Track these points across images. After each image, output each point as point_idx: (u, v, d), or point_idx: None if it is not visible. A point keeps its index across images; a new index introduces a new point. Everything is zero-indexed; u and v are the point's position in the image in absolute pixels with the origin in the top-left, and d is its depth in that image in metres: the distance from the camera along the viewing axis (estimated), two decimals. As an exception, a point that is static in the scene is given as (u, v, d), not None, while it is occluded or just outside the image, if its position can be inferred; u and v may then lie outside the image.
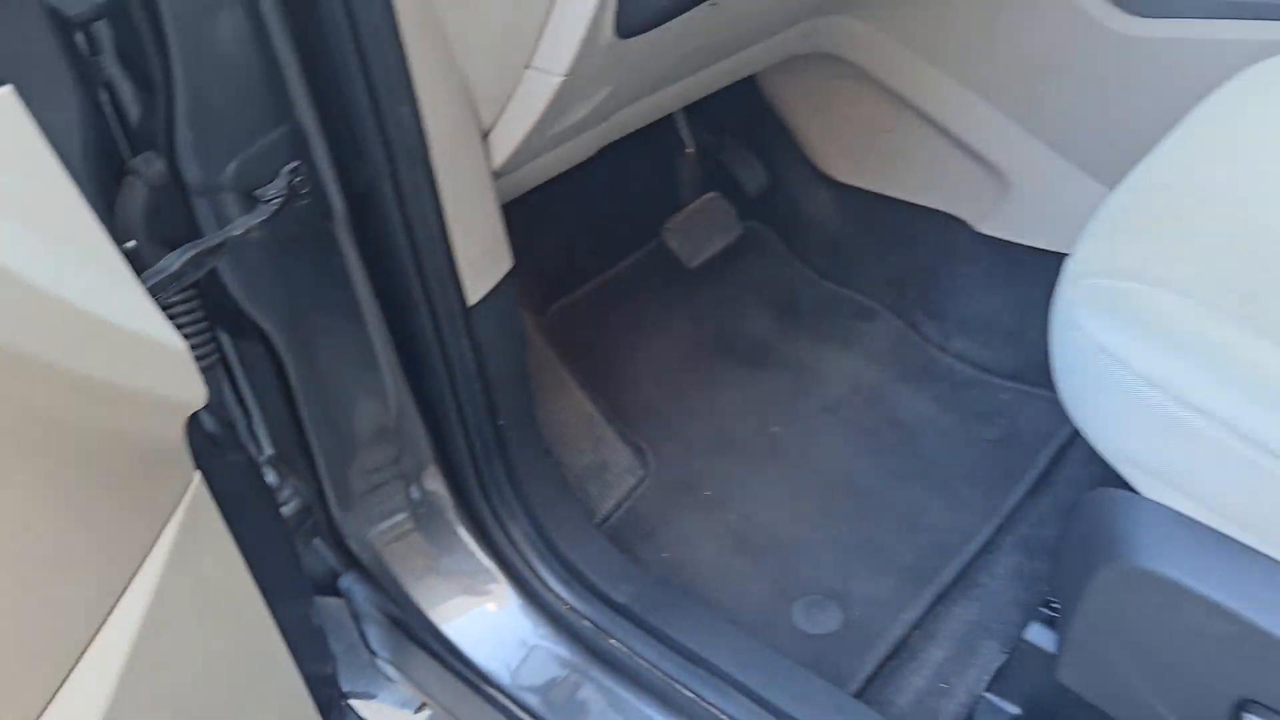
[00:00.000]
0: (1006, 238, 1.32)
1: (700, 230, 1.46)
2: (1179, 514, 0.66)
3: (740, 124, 1.47)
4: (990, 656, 0.99)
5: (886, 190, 1.42)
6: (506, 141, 0.84)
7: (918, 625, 1.05)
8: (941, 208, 1.37)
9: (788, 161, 1.47)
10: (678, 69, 1.02)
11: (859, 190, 1.44)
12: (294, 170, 0.75)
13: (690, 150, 1.45)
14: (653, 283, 1.42)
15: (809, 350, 1.39)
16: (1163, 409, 0.64)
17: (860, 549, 1.14)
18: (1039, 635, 0.82)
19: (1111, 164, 1.17)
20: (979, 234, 1.35)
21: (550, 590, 0.93)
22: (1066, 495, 1.13)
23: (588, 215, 1.38)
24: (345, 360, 0.88)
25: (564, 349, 1.30)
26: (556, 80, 0.77)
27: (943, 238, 1.38)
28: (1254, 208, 0.73)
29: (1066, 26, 1.13)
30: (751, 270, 1.47)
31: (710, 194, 1.48)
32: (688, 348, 1.38)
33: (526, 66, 0.78)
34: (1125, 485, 0.71)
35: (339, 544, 0.97)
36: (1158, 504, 0.67)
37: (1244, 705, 0.65)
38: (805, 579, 1.12)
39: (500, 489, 0.96)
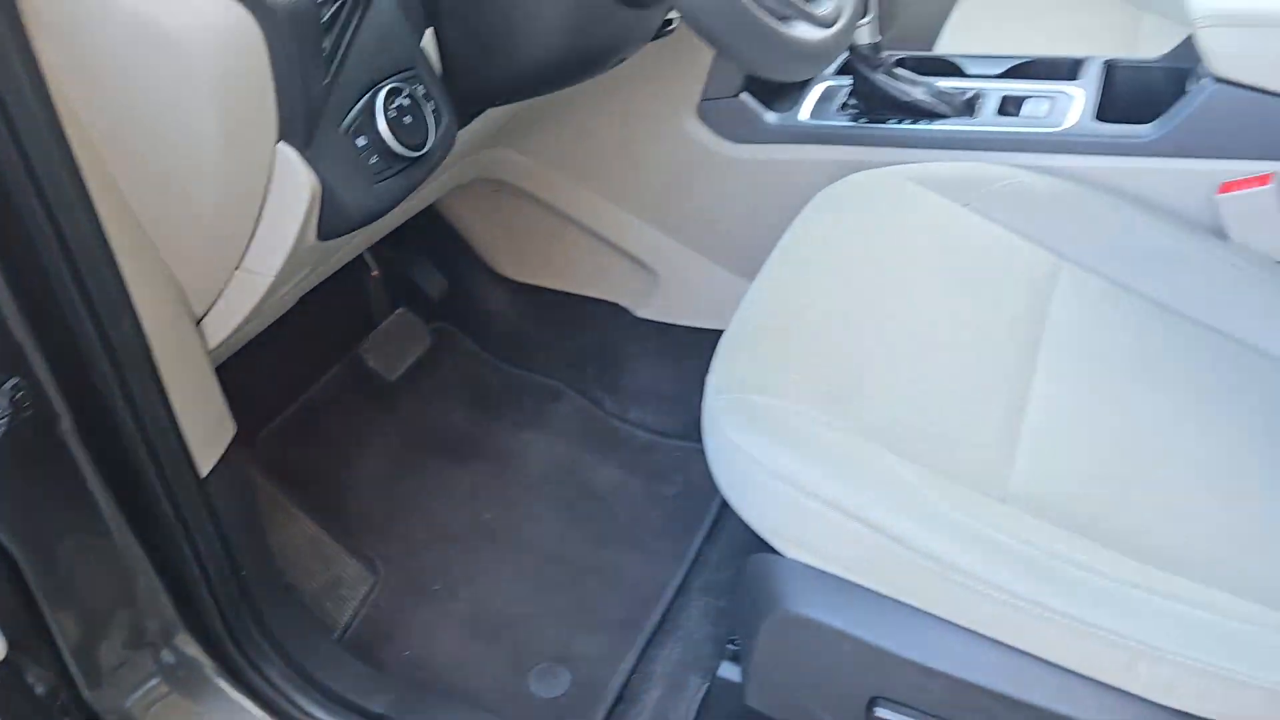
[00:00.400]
0: (662, 320, 1.55)
1: (395, 344, 1.58)
2: (814, 569, 0.88)
3: (419, 239, 1.59)
4: (696, 690, 1.19)
5: (556, 285, 1.61)
6: (220, 329, 0.92)
7: (635, 671, 1.24)
8: (605, 297, 1.58)
9: (466, 267, 1.63)
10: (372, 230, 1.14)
11: (532, 286, 1.62)
12: (15, 386, 0.80)
13: (376, 274, 1.56)
14: (356, 400, 1.52)
15: (508, 436, 1.54)
16: (788, 496, 0.85)
17: (577, 612, 1.31)
18: (728, 670, 1.03)
19: (739, 256, 1.43)
20: (639, 318, 1.57)
21: (314, 719, 1.02)
22: (737, 538, 1.37)
23: (285, 346, 1.45)
24: (81, 548, 0.92)
25: (280, 475, 1.37)
26: (266, 280, 0.87)
27: (609, 323, 1.59)
28: (837, 320, 0.98)
29: (685, 151, 1.37)
30: (446, 370, 1.60)
31: (399, 310, 1.59)
32: (398, 453, 1.49)
33: (237, 268, 0.87)
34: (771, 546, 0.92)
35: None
36: (797, 562, 0.89)
37: (874, 701, 0.88)
38: (534, 649, 1.27)
39: (249, 634, 1.03)
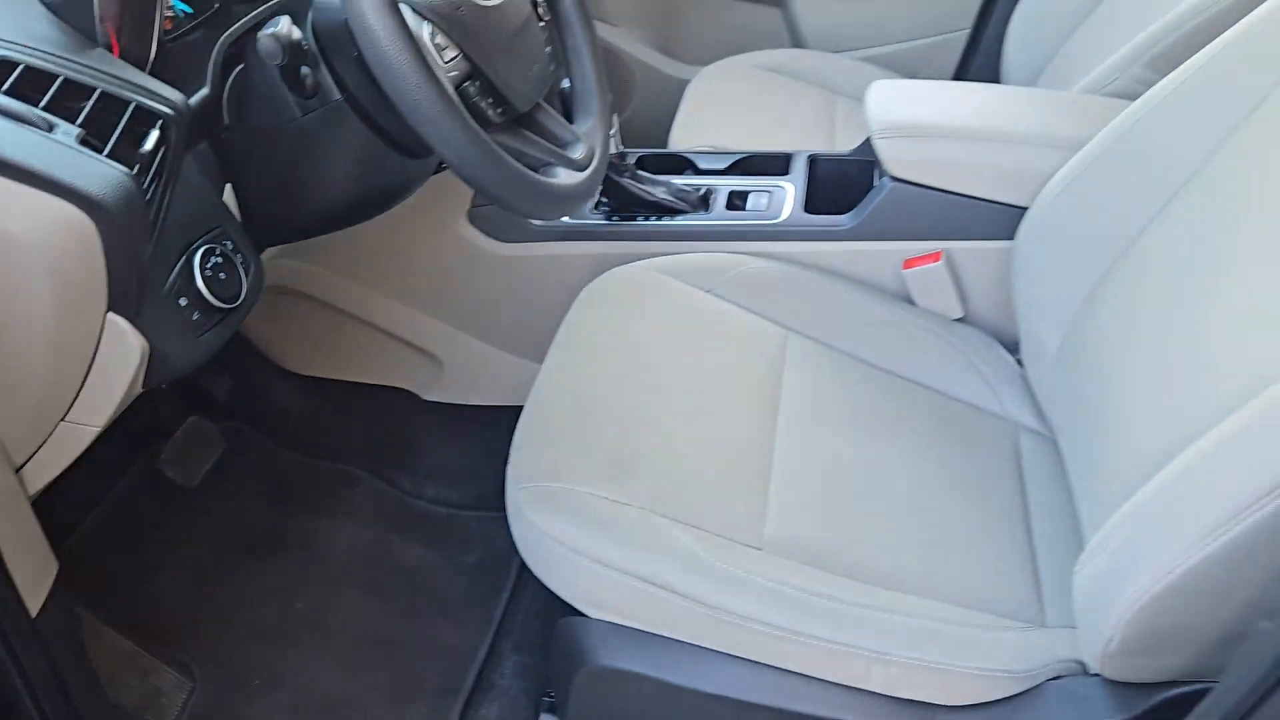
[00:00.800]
0: (449, 401, 1.67)
1: (191, 451, 1.61)
2: (616, 625, 1.04)
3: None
4: (517, 743, 1.33)
5: (344, 376, 1.70)
6: (41, 476, 0.98)
7: (457, 734, 1.35)
8: (393, 384, 1.69)
9: (253, 366, 1.68)
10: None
11: (320, 379, 1.70)
12: None
13: (164, 386, 1.59)
14: (157, 509, 1.54)
15: (311, 525, 1.61)
16: (588, 568, 1.01)
17: (397, 685, 1.41)
18: (548, 721, 1.17)
19: (517, 341, 1.58)
20: (426, 401, 1.68)
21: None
22: (539, 597, 1.51)
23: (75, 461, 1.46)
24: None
25: (85, 593, 1.39)
26: (92, 431, 0.94)
27: (399, 407, 1.70)
28: (612, 406, 1.15)
29: (459, 252, 1.51)
30: (245, 469, 1.65)
31: (191, 418, 1.63)
32: (205, 556, 1.53)
33: (63, 420, 0.94)
34: (579, 611, 1.08)
35: None
36: (601, 622, 1.05)
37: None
38: (362, 728, 1.36)
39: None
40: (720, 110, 1.91)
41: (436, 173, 1.21)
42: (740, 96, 1.96)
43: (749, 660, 1.01)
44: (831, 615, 0.99)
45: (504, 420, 1.19)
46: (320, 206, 1.05)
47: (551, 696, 1.19)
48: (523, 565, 1.57)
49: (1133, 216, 1.18)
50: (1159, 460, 0.91)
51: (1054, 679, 0.99)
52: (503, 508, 1.11)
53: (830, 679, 1.00)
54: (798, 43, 2.25)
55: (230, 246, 0.96)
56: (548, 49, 1.10)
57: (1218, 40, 1.12)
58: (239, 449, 1.68)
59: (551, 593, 1.07)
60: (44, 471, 0.98)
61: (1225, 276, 0.98)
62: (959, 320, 1.43)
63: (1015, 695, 0.99)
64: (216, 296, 0.93)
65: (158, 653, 1.39)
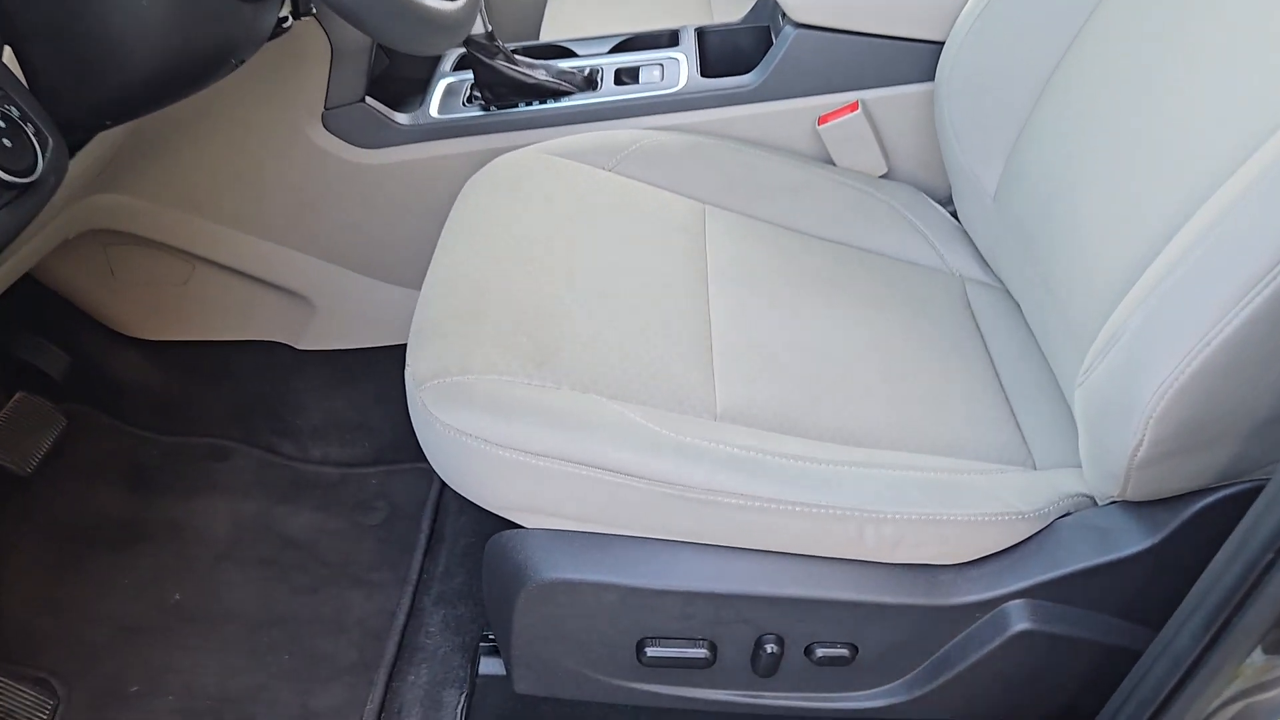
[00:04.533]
0: (326, 348, 1.47)
1: (21, 434, 1.36)
2: (558, 531, 0.88)
3: (25, 315, 1.40)
4: (457, 703, 1.14)
5: (199, 335, 1.47)
6: None
7: (384, 709, 1.16)
8: (258, 337, 1.47)
9: (88, 336, 1.44)
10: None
11: (171, 343, 1.47)
12: None
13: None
14: (-14, 504, 1.30)
15: (179, 508, 1.39)
16: (518, 463, 0.84)
17: (306, 668, 1.21)
18: (490, 665, 0.99)
19: (395, 267, 1.39)
20: (301, 351, 1.47)
21: None
22: (457, 545, 1.33)
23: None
24: None
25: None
26: None
27: (268, 362, 1.48)
28: (522, 290, 0.98)
29: (316, 165, 1.30)
30: (92, 453, 1.42)
31: (18, 394, 1.38)
32: (51, 556, 1.29)
33: None
34: (511, 524, 0.90)
35: None
36: (539, 530, 0.88)
37: (642, 644, 0.89)
38: (270, 719, 1.16)
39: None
40: (585, 4, 1.75)
41: (273, 36, 1.02)
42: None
43: (721, 547, 0.86)
44: (808, 476, 0.85)
45: (392, 362, 1.00)
46: (139, 71, 0.84)
47: (491, 638, 1.01)
48: (436, 515, 1.40)
49: (1059, 28, 1.07)
50: (1144, 258, 0.81)
51: (1064, 517, 0.87)
52: (404, 458, 0.94)
53: (816, 552, 0.86)
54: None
55: (16, 113, 0.76)
56: None
57: None
58: (82, 429, 1.44)
59: (475, 526, 0.90)
60: None
61: (1176, 56, 0.88)
62: (883, 177, 1.31)
63: (1025, 541, 0.86)
64: (4, 169, 0.73)
65: (5, 671, 1.15)
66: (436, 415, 0.88)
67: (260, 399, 1.49)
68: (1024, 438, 0.98)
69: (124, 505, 1.39)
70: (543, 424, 0.85)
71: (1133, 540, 0.82)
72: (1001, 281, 1.19)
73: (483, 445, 0.85)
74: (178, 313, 1.45)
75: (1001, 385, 1.04)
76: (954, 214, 1.27)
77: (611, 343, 0.95)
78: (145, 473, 1.43)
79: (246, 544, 1.36)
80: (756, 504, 0.83)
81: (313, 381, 1.48)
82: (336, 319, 1.45)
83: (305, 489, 1.43)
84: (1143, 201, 0.86)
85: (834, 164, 1.30)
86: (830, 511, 0.83)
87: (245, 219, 1.35)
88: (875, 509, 0.83)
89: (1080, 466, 0.92)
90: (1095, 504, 0.88)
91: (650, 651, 0.89)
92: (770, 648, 0.87)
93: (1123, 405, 0.76)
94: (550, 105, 1.29)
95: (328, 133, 1.29)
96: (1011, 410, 1.01)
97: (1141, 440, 0.75)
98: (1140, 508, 0.83)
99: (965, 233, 1.24)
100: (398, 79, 1.46)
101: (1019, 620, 0.84)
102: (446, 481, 0.92)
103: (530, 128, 1.29)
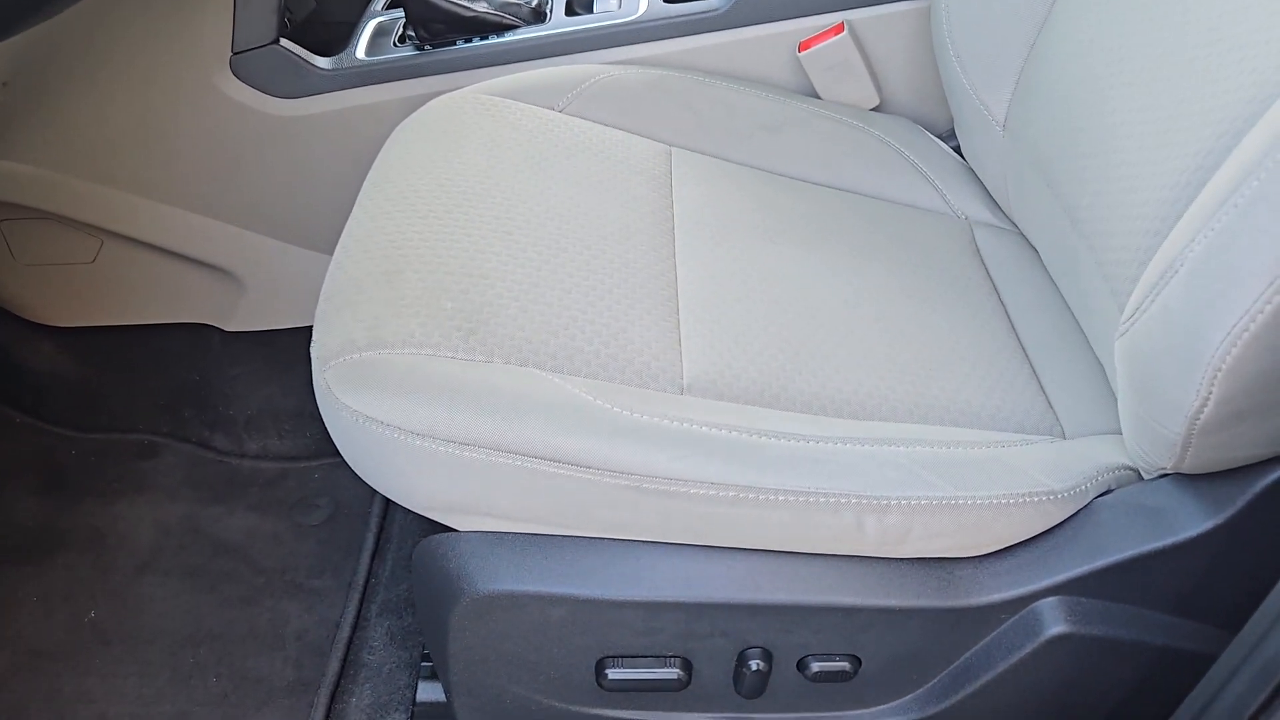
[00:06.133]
0: (258, 329, 1.32)
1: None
2: (496, 534, 0.73)
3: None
4: (400, 729, 1.00)
5: (117, 320, 1.32)
6: None
7: (324, 735, 1.02)
8: (183, 320, 1.32)
9: (-11, 326, 1.29)
10: None
11: (87, 330, 1.32)
12: None
13: None
14: None
15: (97, 514, 1.24)
16: (438, 453, 0.69)
17: (237, 692, 1.07)
18: (429, 691, 0.85)
19: (325, 232, 1.23)
20: (231, 333, 1.32)
21: None
22: (405, 546, 1.18)
23: None
24: None
25: None
26: None
27: (195, 347, 1.33)
28: (451, 248, 0.82)
29: (228, 118, 1.14)
30: (0, 455, 1.27)
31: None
32: (-55, 573, 1.15)
33: None
34: (444, 527, 0.75)
35: None
36: (474, 533, 0.73)
37: (602, 664, 0.74)
38: (192, 754, 1.02)
39: None
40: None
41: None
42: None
43: (691, 546, 0.71)
44: (795, 458, 0.70)
45: None
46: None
47: (428, 660, 0.86)
48: (385, 512, 1.25)
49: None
50: (1199, 171, 0.65)
51: (1104, 495, 0.72)
52: None
53: (806, 549, 0.71)
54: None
55: None
56: None
57: None
58: (-16, 430, 1.29)
59: (427, 525, 0.75)
60: None
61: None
62: (875, 110, 1.15)
63: (1059, 526, 0.71)
64: None
65: (-112, 709, 1.01)
66: (342, 400, 0.72)
67: (188, 388, 1.33)
68: (1049, 402, 0.83)
69: (37, 511, 1.24)
70: (470, 406, 0.69)
71: (1191, 521, 0.67)
72: (1015, 224, 1.04)
73: (399, 434, 0.70)
74: (89, 295, 1.29)
75: (1020, 342, 0.89)
76: (957, 149, 1.12)
77: (556, 305, 0.80)
78: (62, 475, 1.28)
79: (172, 551, 1.21)
80: (733, 493, 0.67)
81: (246, 367, 1.33)
82: (268, 295, 1.29)
83: (240, 487, 1.28)
84: (1193, 106, 0.71)
85: (818, 97, 1.14)
86: (822, 499, 0.68)
87: (154, 185, 1.19)
88: (877, 494, 0.68)
89: (1119, 433, 0.77)
90: (1140, 478, 0.73)
91: (612, 674, 0.74)
92: (755, 664, 0.73)
93: (1181, 355, 0.61)
94: (493, 41, 1.14)
95: (239, 81, 1.13)
96: (1033, 370, 0.86)
97: (1207, 399, 0.60)
98: (1198, 482, 0.68)
99: (971, 170, 1.09)
100: (326, 23, 1.29)
101: (1054, 622, 0.69)
102: (361, 475, 0.77)
103: (470, 68, 1.13)
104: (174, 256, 1.25)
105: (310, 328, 1.31)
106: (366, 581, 1.16)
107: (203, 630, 1.13)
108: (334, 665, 1.08)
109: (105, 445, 1.32)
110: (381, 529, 1.21)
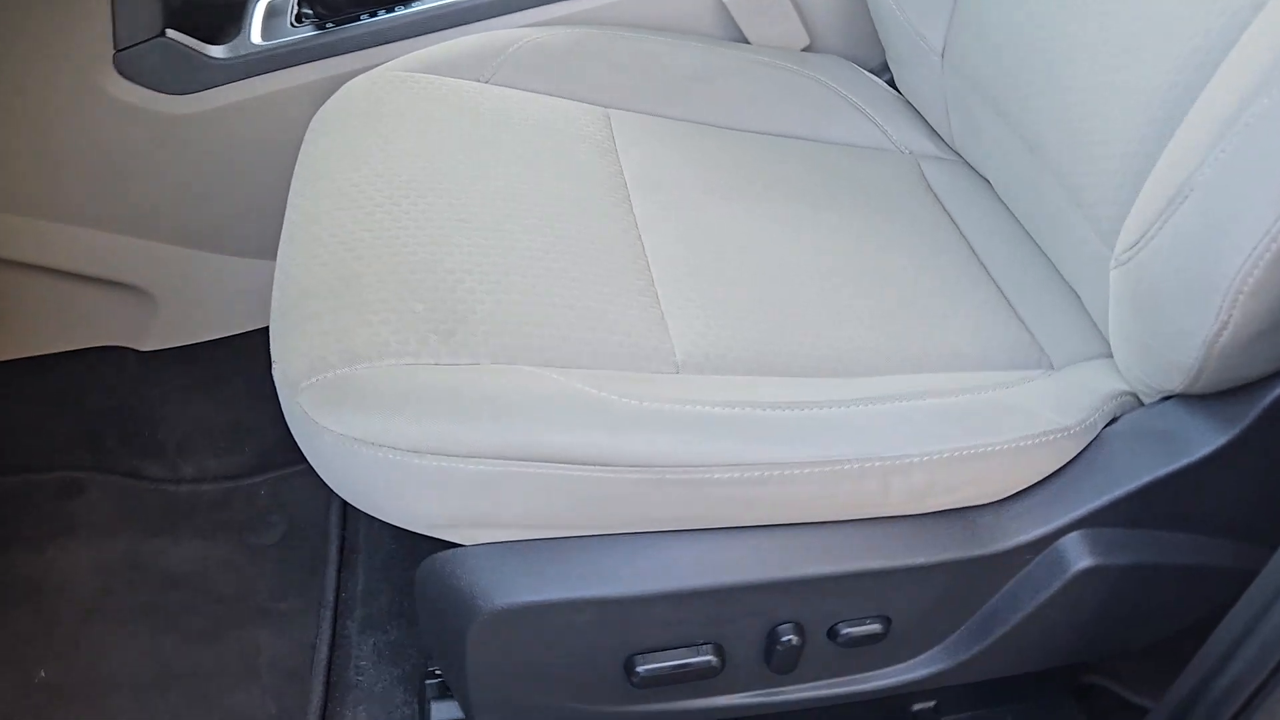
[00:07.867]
0: (177, 344, 1.23)
1: None
2: (506, 544, 0.69)
3: None
4: (405, 749, 0.96)
5: (19, 352, 1.21)
6: None
7: (320, 765, 0.97)
8: (93, 344, 1.22)
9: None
10: None
11: (-14, 366, 1.21)
12: None
13: None
14: None
15: (27, 563, 1.15)
16: (439, 470, 0.65)
17: (217, 733, 1.01)
18: (444, 710, 0.81)
19: (237, 234, 1.16)
20: (148, 353, 1.23)
21: None
22: (376, 555, 1.12)
23: None
24: None
25: None
26: None
27: (112, 373, 1.24)
28: (407, 246, 0.77)
29: (115, 120, 1.05)
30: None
31: None
32: None
33: None
34: (444, 542, 0.71)
35: None
36: (481, 546, 0.69)
37: (631, 661, 0.71)
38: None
39: None
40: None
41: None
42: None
43: (713, 530, 0.69)
44: (811, 426, 0.67)
45: (261, 348, 0.78)
46: None
47: (437, 673, 0.82)
48: (344, 521, 1.19)
49: None
50: (1186, 86, 0.64)
51: (1110, 424, 0.72)
52: (296, 459, 0.72)
53: (830, 517, 0.69)
54: None
55: None
56: None
57: None
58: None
59: (396, 531, 0.71)
60: None
61: None
62: (805, 50, 1.12)
63: (1072, 462, 0.71)
64: None
65: None
66: (322, 424, 0.67)
67: (108, 417, 1.24)
68: (1032, 335, 0.83)
69: (-41, 571, 1.14)
70: (466, 415, 0.65)
71: (1203, 440, 0.67)
72: (960, 154, 1.03)
73: (392, 455, 0.65)
74: (-15, 328, 1.19)
75: (990, 275, 0.88)
76: (892, 83, 1.10)
77: (531, 294, 0.75)
78: (-20, 526, 1.18)
79: (119, 592, 1.13)
80: (758, 473, 0.65)
81: (169, 386, 1.24)
82: (184, 309, 1.20)
83: (182, 515, 1.20)
84: (1156, 21, 0.70)
85: (748, 42, 1.10)
86: (848, 466, 0.66)
87: (43, 203, 1.08)
88: (900, 454, 0.67)
89: (1104, 357, 0.78)
90: (1140, 402, 0.73)
91: (643, 669, 0.71)
92: (788, 638, 0.71)
93: (1198, 281, 0.60)
94: (400, 12, 1.07)
95: (125, 80, 1.03)
96: (1009, 302, 0.86)
97: (1226, 322, 0.60)
98: (1206, 401, 0.68)
99: (909, 103, 1.07)
100: (210, 5, 1.19)
101: (1080, 557, 0.69)
102: (351, 501, 0.72)
103: (380, 43, 1.06)
104: (75, 278, 1.15)
105: (234, 337, 1.25)
106: (337, 597, 1.10)
107: (168, 671, 1.06)
108: (318, 690, 1.02)
109: (23, 488, 1.22)
110: (344, 540, 1.15)
